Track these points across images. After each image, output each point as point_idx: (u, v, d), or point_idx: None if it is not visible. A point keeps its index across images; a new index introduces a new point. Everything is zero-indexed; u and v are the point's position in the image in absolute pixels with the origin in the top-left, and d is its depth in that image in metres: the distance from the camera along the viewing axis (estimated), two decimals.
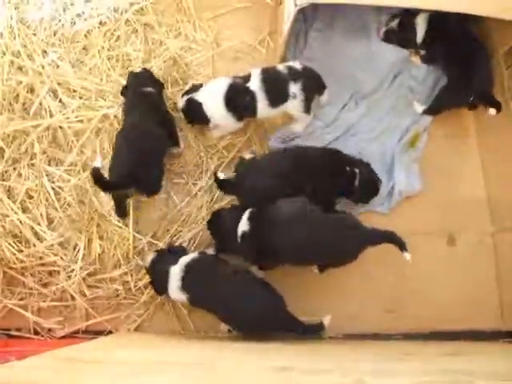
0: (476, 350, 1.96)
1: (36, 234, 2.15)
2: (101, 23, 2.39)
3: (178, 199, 2.25)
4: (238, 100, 2.10)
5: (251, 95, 2.08)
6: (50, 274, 2.14)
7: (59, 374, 1.37)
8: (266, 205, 1.94)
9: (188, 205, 2.24)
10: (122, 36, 2.37)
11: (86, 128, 2.23)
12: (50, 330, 2.10)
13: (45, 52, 2.33)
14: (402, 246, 1.83)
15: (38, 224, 2.15)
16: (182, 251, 2.04)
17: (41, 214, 2.16)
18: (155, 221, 2.23)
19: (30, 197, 2.18)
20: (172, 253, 2.02)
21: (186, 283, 1.89)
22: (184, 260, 1.93)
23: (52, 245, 2.13)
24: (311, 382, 1.30)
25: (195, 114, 2.17)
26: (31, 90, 2.27)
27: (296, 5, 1.86)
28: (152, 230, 2.20)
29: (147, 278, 2.09)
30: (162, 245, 2.17)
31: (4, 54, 2.29)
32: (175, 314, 2.14)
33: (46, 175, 2.19)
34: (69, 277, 2.11)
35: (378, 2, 1.98)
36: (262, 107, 2.11)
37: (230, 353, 1.76)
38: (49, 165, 2.22)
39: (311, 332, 1.93)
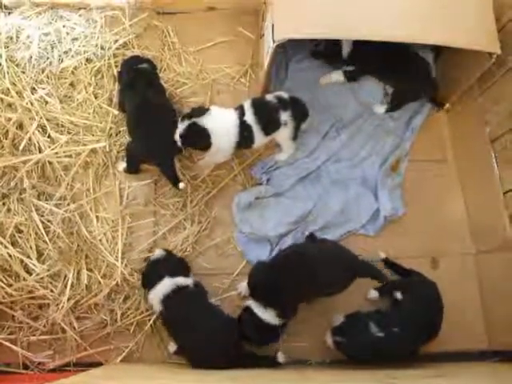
0: (461, 371, 1.98)
1: (25, 267, 2.16)
2: (87, 60, 2.45)
3: (165, 229, 2.28)
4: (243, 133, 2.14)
5: (249, 129, 2.13)
6: (40, 307, 2.15)
7: None
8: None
9: (175, 235, 2.28)
10: (108, 71, 2.43)
11: (75, 162, 2.27)
12: (39, 363, 2.10)
13: (34, 89, 2.38)
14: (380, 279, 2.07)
15: (28, 257, 2.16)
16: (185, 268, 2.09)
17: (30, 247, 2.18)
18: (143, 250, 2.26)
19: (20, 231, 2.20)
20: (174, 263, 2.08)
21: (167, 302, 1.97)
22: (177, 281, 1.99)
23: (42, 277, 2.14)
24: None
25: (198, 138, 2.08)
26: (20, 127, 2.31)
27: (274, 41, 1.92)
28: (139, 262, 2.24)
29: (134, 308, 2.14)
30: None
31: None
32: (163, 344, 2.15)
33: (36, 209, 2.21)
34: (58, 309, 2.11)
35: (354, 36, 2.04)
36: (259, 138, 2.16)
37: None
38: (38, 199, 2.24)
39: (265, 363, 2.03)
